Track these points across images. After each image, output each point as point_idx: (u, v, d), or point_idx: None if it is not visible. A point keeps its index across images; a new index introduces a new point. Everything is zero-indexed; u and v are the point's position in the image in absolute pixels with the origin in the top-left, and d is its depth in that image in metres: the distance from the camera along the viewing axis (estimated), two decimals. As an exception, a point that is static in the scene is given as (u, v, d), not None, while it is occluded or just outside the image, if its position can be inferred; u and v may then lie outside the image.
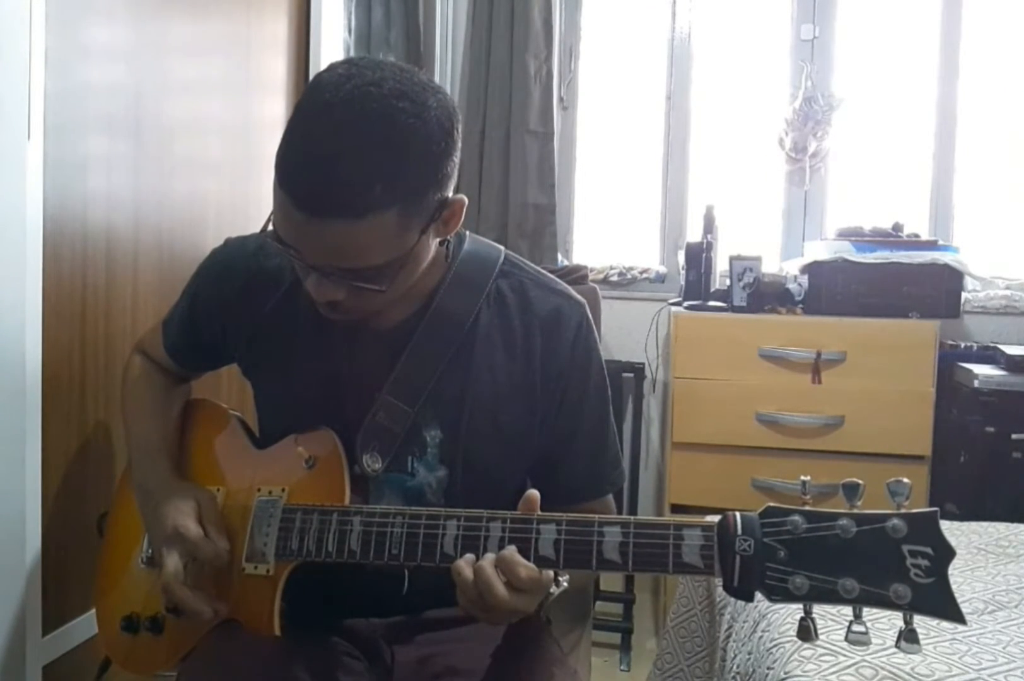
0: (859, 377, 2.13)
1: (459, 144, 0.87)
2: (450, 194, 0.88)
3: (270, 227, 0.87)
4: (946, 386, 2.16)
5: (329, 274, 0.86)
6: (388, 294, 0.89)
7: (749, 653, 1.25)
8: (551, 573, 0.84)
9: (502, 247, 1.06)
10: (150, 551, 1.09)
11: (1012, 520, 1.71)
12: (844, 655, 1.09)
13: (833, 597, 0.71)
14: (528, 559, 0.80)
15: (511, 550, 0.80)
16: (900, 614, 0.71)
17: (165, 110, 1.49)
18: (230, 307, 1.05)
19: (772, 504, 0.76)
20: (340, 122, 0.79)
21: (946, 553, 0.70)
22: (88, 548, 1.23)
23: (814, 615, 0.74)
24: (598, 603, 2.29)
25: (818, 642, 1.12)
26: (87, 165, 1.30)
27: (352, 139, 0.79)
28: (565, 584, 0.89)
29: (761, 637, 1.23)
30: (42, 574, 1.21)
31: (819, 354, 2.13)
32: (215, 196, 1.67)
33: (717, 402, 2.19)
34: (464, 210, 0.90)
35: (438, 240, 0.93)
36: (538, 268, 1.07)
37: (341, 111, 0.79)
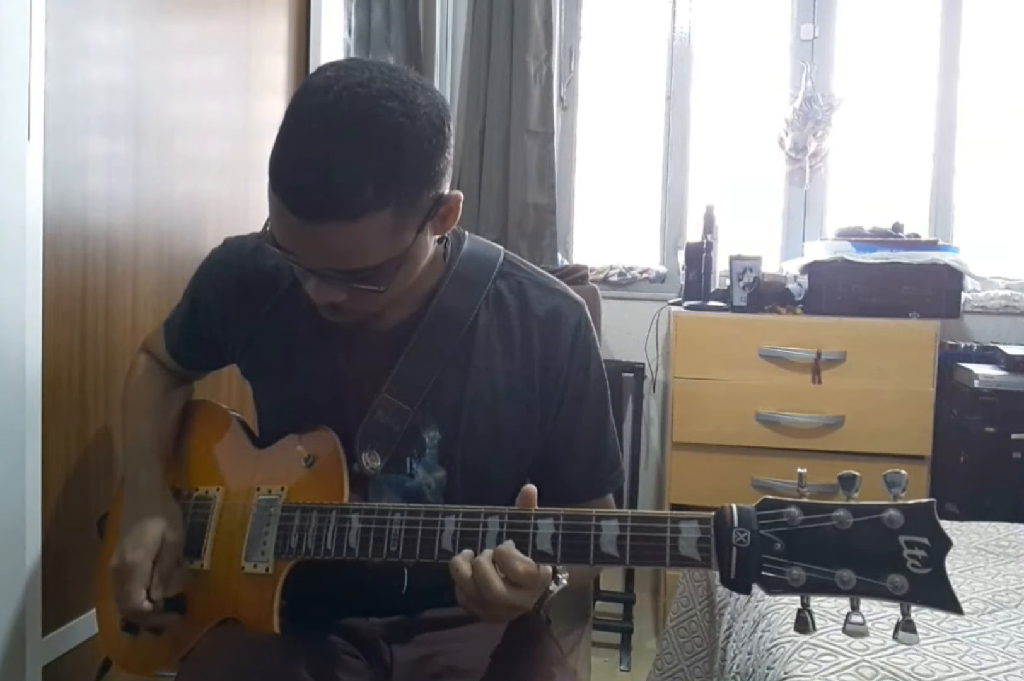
0: (859, 377, 2.13)
1: (451, 141, 0.86)
2: (445, 191, 0.88)
3: (268, 230, 0.87)
4: (946, 386, 2.16)
5: (328, 277, 0.86)
6: (388, 294, 0.89)
7: (749, 653, 1.25)
8: (549, 568, 0.84)
9: (501, 247, 1.06)
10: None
11: (1012, 520, 1.71)
12: (844, 655, 1.09)
13: (830, 588, 0.71)
14: (526, 554, 0.80)
15: (508, 545, 0.80)
16: (899, 611, 0.71)
17: (165, 110, 1.49)
18: (230, 307, 1.06)
19: (769, 496, 0.76)
20: (330, 125, 0.79)
21: (943, 543, 0.70)
22: (88, 548, 1.23)
23: (812, 607, 0.74)
24: (598, 603, 2.29)
25: (818, 642, 1.12)
26: (87, 165, 1.30)
27: (343, 141, 0.79)
28: (565, 581, 0.89)
29: (761, 637, 1.23)
30: (42, 574, 1.21)
31: (819, 354, 2.13)
32: (215, 196, 1.67)
33: (717, 402, 2.19)
34: (460, 206, 0.90)
35: (436, 238, 0.93)
36: (537, 268, 1.07)
37: (330, 114, 0.80)
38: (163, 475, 1.07)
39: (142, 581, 0.95)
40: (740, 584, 0.74)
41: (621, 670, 2.22)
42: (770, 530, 0.74)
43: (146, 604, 0.94)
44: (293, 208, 0.81)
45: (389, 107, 0.80)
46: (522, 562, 0.79)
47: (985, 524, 1.69)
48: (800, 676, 1.07)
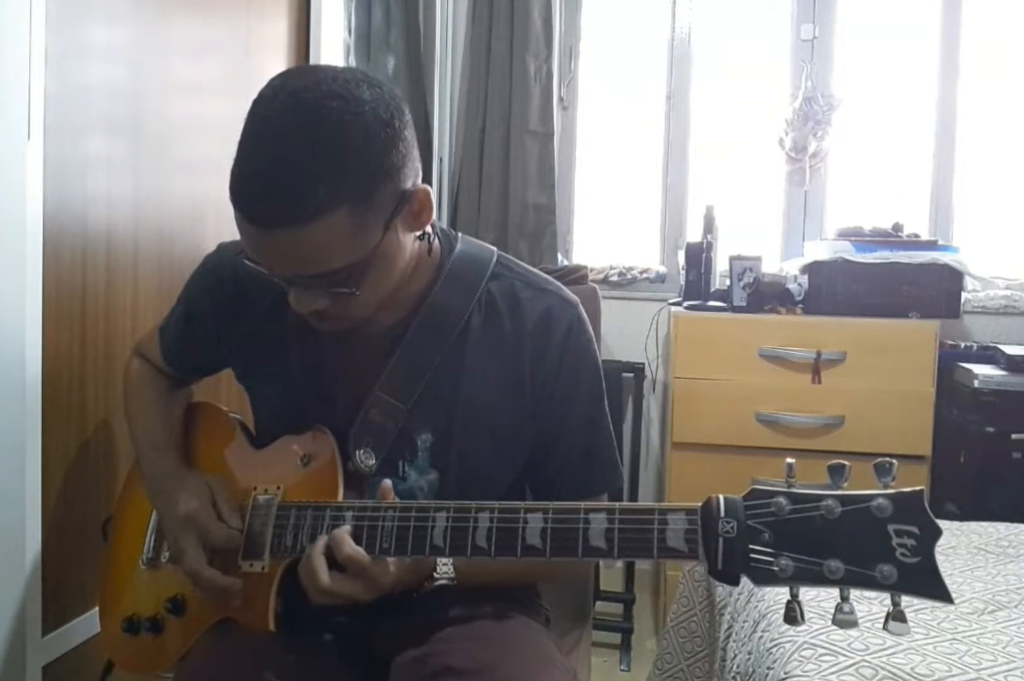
0: (859, 377, 2.13)
1: (405, 134, 0.85)
2: (409, 185, 0.86)
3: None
4: (946, 386, 2.16)
5: (302, 284, 0.86)
6: (367, 296, 0.88)
7: (749, 653, 1.25)
8: (389, 566, 0.86)
9: (494, 248, 1.05)
10: (151, 553, 1.09)
11: (1012, 520, 1.71)
12: (844, 655, 1.09)
13: (819, 579, 0.70)
14: (515, 548, 0.80)
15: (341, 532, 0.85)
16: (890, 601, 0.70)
17: (165, 110, 1.49)
18: (223, 312, 1.06)
19: (757, 486, 0.75)
20: (275, 132, 0.80)
21: (932, 532, 0.69)
22: (88, 548, 1.23)
23: (800, 599, 0.73)
24: (598, 603, 2.29)
25: (818, 642, 1.12)
26: (87, 165, 1.30)
27: (288, 146, 0.79)
28: (446, 581, 0.92)
29: (761, 637, 1.23)
30: (42, 574, 1.21)
31: (819, 354, 2.13)
32: (215, 196, 1.67)
33: (717, 402, 2.19)
34: (431, 199, 0.89)
35: (415, 235, 0.92)
36: (531, 268, 1.06)
37: (276, 121, 0.80)
38: (181, 463, 1.08)
39: (212, 518, 0.95)
40: (727, 575, 0.73)
41: (621, 670, 2.22)
42: (757, 520, 0.72)
43: (232, 532, 0.94)
44: (250, 218, 0.81)
45: (332, 107, 0.79)
46: (350, 547, 0.83)
47: (985, 524, 1.68)
48: (800, 676, 1.07)
